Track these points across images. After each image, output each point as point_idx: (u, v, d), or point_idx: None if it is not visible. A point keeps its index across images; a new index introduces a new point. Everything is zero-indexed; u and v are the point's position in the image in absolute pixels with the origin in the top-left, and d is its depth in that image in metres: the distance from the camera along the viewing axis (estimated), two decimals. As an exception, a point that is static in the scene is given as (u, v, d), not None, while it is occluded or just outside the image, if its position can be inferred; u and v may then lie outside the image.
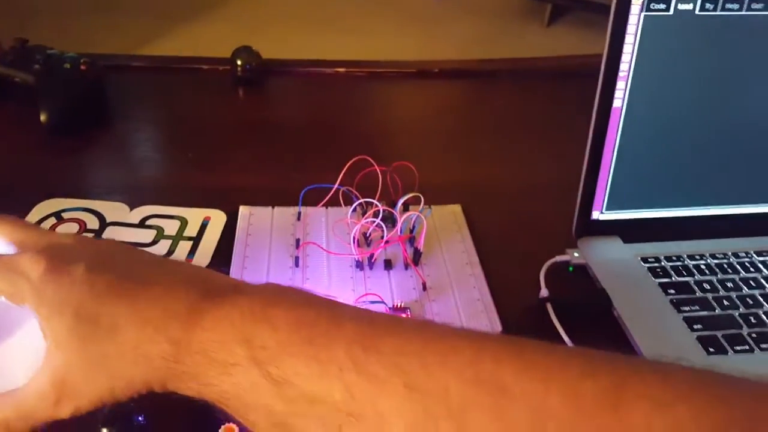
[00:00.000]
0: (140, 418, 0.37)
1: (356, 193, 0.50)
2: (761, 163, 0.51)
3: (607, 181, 0.50)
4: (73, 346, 0.28)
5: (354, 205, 0.48)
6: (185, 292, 0.29)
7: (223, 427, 0.36)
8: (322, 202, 0.51)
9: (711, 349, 0.43)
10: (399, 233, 0.49)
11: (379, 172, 0.50)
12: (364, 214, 0.48)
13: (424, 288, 0.47)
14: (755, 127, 0.50)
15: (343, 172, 0.49)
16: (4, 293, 0.30)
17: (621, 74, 0.46)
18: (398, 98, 0.75)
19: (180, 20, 0.77)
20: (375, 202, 0.48)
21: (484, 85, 0.78)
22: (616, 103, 0.47)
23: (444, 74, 0.77)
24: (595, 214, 0.51)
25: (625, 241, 0.52)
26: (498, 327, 0.44)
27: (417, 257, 0.49)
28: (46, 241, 0.31)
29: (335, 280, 0.47)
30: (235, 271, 0.47)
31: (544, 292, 0.47)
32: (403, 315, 0.43)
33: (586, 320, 0.46)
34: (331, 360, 0.25)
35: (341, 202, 0.51)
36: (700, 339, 0.44)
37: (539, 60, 0.79)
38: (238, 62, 0.72)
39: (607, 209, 0.51)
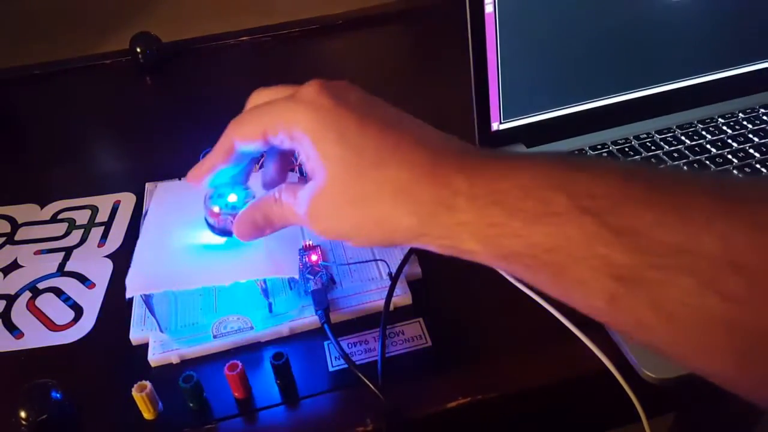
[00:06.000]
0: (59, 396, 0.37)
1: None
2: (642, 45, 0.51)
3: (498, 90, 0.50)
4: (335, 171, 0.28)
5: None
6: (452, 145, 0.28)
7: (136, 385, 0.36)
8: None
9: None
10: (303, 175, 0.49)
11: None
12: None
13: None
14: (631, 12, 0.50)
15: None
16: (282, 121, 0.30)
17: (485, -22, 0.46)
18: (305, 56, 0.74)
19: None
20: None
21: (386, 30, 0.78)
22: (488, 8, 0.47)
23: (348, 25, 0.76)
24: (495, 125, 0.52)
25: (529, 146, 0.52)
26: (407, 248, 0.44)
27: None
28: (318, 81, 0.31)
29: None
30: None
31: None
32: (314, 253, 0.43)
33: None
34: (692, 207, 0.22)
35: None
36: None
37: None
38: (138, 49, 0.71)
39: (505, 118, 0.51)
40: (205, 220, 0.36)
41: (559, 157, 0.26)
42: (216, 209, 0.36)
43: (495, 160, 0.26)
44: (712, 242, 0.21)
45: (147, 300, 0.38)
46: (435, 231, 0.27)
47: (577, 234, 0.23)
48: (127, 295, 0.34)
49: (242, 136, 0.33)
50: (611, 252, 0.23)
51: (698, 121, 0.52)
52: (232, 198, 0.36)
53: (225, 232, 0.36)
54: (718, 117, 0.53)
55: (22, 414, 0.36)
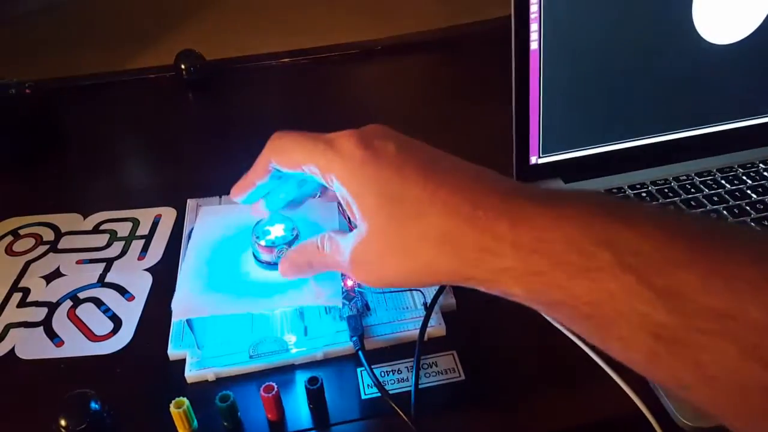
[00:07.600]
0: (98, 407, 0.38)
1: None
2: (685, 88, 0.52)
3: (539, 124, 0.51)
4: (377, 222, 0.29)
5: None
6: (494, 186, 0.28)
7: (174, 401, 0.37)
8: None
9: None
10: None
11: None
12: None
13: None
14: (678, 54, 0.50)
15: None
16: (317, 165, 0.31)
17: (532, 16, 0.47)
18: (344, 80, 0.76)
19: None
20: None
21: (424, 57, 0.79)
22: (533, 45, 0.48)
23: (387, 51, 0.78)
24: (533, 159, 0.52)
25: (566, 181, 0.52)
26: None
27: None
28: (353, 133, 0.31)
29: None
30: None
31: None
32: (349, 278, 0.44)
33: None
34: (739, 271, 0.22)
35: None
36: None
37: (472, 25, 0.80)
38: (183, 66, 0.74)
39: (543, 152, 0.52)
40: (253, 254, 0.38)
41: (605, 207, 0.26)
42: (263, 243, 0.37)
43: (539, 206, 0.26)
44: (758, 310, 0.21)
45: (189, 320, 0.39)
46: (479, 275, 0.27)
47: (618, 290, 0.24)
48: (174, 320, 0.35)
49: (279, 162, 0.34)
50: (652, 311, 0.23)
51: (738, 165, 0.52)
52: (276, 233, 0.38)
53: (270, 265, 0.37)
54: (759, 162, 0.52)
55: (62, 422, 0.37)
